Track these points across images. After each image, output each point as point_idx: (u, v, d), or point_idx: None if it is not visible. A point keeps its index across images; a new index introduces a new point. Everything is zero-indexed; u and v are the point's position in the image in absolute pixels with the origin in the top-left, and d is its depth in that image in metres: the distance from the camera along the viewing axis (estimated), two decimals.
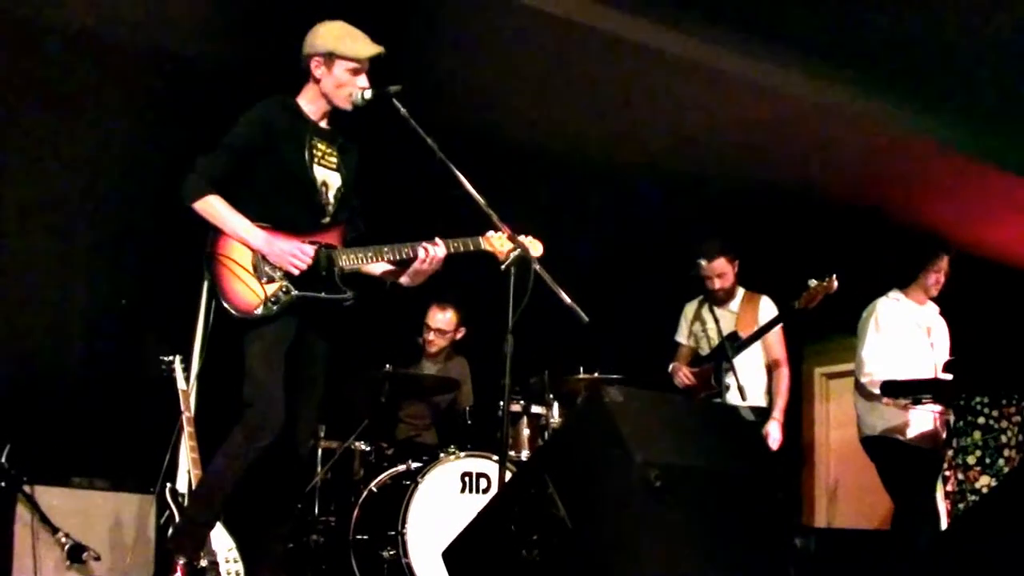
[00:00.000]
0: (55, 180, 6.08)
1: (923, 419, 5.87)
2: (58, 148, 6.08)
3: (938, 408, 5.83)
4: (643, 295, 7.65)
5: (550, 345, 5.50)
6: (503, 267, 4.12)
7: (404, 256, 4.23)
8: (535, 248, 4.23)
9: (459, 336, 6.62)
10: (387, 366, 5.82)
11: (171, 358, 5.05)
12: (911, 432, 5.86)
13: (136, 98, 6.18)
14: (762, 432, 5.94)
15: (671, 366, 6.44)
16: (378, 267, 4.37)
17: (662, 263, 7.28)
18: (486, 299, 4.38)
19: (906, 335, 6.03)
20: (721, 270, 6.24)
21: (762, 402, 6.19)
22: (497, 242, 4.24)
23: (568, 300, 3.88)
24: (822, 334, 8.33)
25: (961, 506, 5.99)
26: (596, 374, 6.15)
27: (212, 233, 4.06)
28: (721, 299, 6.33)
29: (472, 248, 4.28)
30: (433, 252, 4.22)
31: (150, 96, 6.20)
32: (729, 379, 5.87)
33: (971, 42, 6.18)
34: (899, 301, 6.12)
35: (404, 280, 4.35)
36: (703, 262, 6.23)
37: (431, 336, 6.55)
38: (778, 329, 6.16)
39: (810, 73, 6.52)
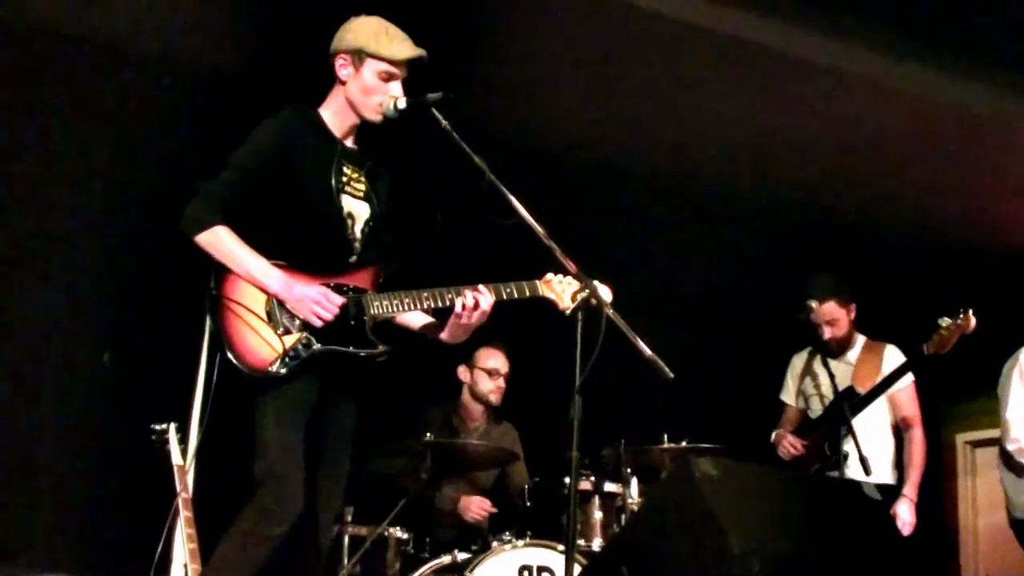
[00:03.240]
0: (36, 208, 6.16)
1: None
2: (40, 172, 6.16)
3: None
4: (741, 345, 7.62)
5: (626, 409, 5.51)
6: (567, 312, 4.10)
7: (447, 303, 4.21)
8: (605, 293, 4.12)
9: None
10: (427, 435, 5.79)
11: (164, 426, 4.99)
12: None
13: (125, 108, 6.23)
14: (890, 513, 5.92)
15: (775, 433, 6.43)
16: (415, 318, 4.39)
17: (764, 306, 7.19)
18: (544, 351, 4.38)
19: None
20: (831, 316, 6.19)
21: (889, 477, 6.16)
22: (559, 286, 4.20)
23: (649, 352, 3.82)
24: (966, 392, 8.26)
25: None
26: (684, 443, 6.07)
27: (218, 272, 4.07)
28: (835, 351, 6.29)
29: (528, 294, 4.24)
30: (479, 301, 4.20)
31: (143, 106, 6.25)
32: (848, 447, 5.79)
33: None
34: None
35: (444, 336, 4.36)
36: (814, 303, 6.15)
37: (499, 382, 6.58)
38: (910, 385, 6.14)
39: (955, 74, 6.51)
